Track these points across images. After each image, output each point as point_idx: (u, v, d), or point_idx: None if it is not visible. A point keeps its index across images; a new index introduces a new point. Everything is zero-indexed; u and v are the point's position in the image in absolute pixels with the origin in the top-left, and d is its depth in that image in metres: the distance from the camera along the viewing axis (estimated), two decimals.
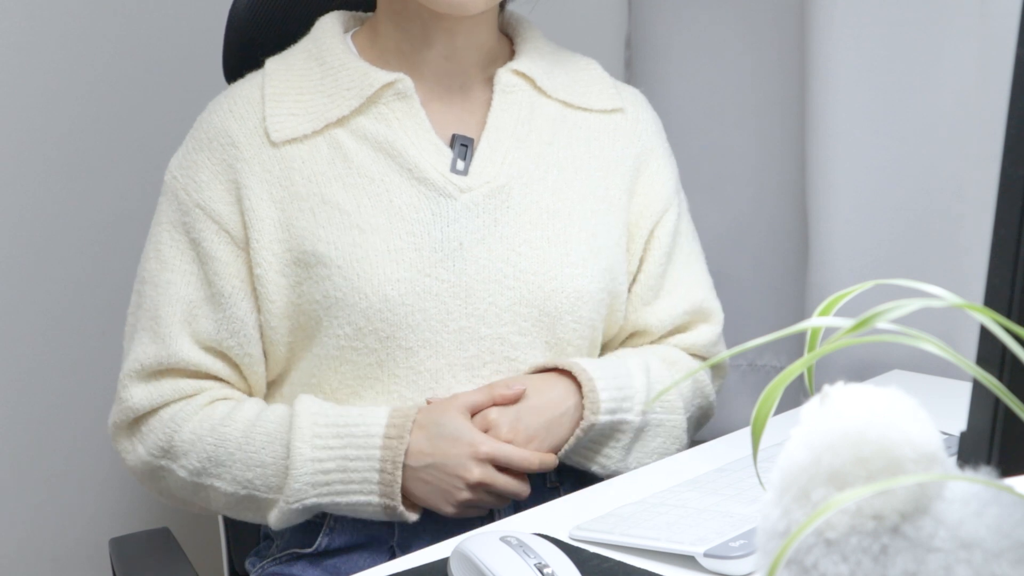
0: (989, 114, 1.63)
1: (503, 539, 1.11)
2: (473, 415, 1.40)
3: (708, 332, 1.59)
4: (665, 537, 1.18)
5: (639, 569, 1.16)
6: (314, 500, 1.39)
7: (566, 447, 1.44)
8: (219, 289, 1.44)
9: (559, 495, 1.49)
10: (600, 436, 1.46)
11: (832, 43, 1.72)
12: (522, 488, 1.41)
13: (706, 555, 1.15)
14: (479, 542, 1.12)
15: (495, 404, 1.41)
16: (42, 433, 1.98)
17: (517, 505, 1.47)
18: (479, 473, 1.38)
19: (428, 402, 1.42)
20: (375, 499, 1.38)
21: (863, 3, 1.71)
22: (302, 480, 1.39)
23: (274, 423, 1.41)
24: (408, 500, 1.40)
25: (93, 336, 2.00)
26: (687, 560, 1.16)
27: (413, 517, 1.40)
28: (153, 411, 1.45)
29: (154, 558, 1.47)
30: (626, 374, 1.47)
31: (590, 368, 1.45)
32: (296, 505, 1.40)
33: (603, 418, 1.44)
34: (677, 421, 1.53)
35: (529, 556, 1.09)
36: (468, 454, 1.37)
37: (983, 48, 1.64)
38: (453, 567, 1.13)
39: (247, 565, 1.56)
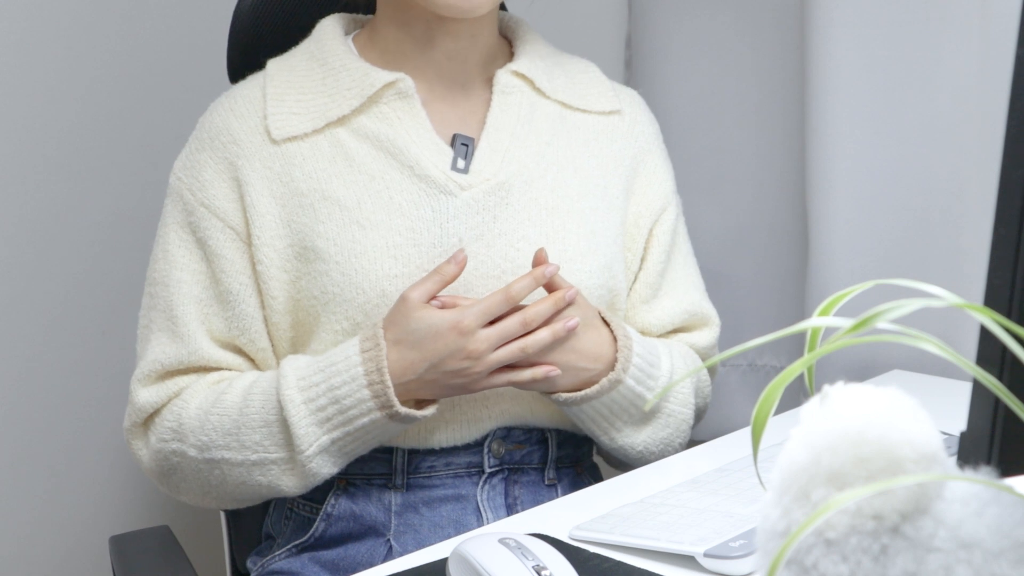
0: (989, 114, 1.63)
1: (501, 541, 1.11)
2: (430, 300, 1.38)
3: (709, 335, 1.60)
4: (665, 537, 1.19)
5: (639, 569, 1.16)
6: (327, 438, 1.39)
7: (588, 392, 1.43)
8: (227, 287, 1.44)
9: (557, 493, 1.49)
10: (616, 406, 1.46)
11: (832, 43, 1.72)
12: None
13: (706, 555, 1.15)
14: (477, 544, 1.12)
15: (442, 278, 1.38)
16: (42, 433, 1.98)
17: (515, 506, 1.47)
18: (479, 342, 1.37)
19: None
20: (377, 415, 1.37)
21: (863, 3, 1.71)
22: (303, 424, 1.38)
23: (267, 381, 1.42)
24: (422, 402, 1.40)
25: (93, 336, 2.00)
26: (687, 560, 1.16)
27: (431, 410, 1.40)
28: (165, 404, 1.46)
29: (154, 556, 1.47)
30: (656, 353, 1.48)
31: (631, 331, 1.46)
32: (311, 450, 1.39)
33: (629, 381, 1.44)
34: (686, 415, 1.53)
35: (527, 558, 1.09)
36: (456, 335, 1.37)
37: (983, 48, 1.64)
38: (452, 568, 1.13)
39: (248, 564, 1.56)
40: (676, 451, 1.53)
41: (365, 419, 1.38)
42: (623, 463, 1.54)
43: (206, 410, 1.42)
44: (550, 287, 1.42)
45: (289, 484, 1.42)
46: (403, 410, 1.37)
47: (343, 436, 1.39)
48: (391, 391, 1.37)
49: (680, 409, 1.53)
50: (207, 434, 1.42)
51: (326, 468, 1.41)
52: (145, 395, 1.46)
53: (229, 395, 1.42)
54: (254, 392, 1.41)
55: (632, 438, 1.49)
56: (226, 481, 1.44)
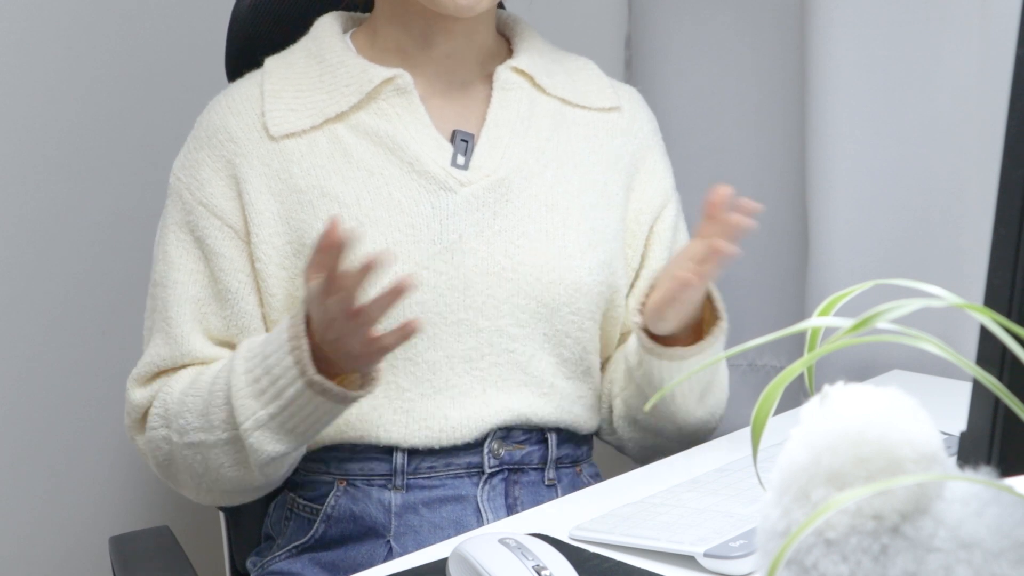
0: (989, 114, 1.63)
1: (502, 541, 1.11)
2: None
3: None
4: (665, 537, 1.19)
5: (639, 569, 1.16)
6: (264, 413, 1.35)
7: (702, 343, 1.43)
8: (225, 286, 1.44)
9: (557, 493, 1.49)
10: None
11: (832, 43, 1.72)
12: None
13: (706, 555, 1.15)
14: (478, 544, 1.12)
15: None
16: (42, 433, 1.97)
17: (515, 507, 1.47)
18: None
19: None
20: (300, 384, 1.32)
21: (863, 3, 1.71)
22: (240, 396, 1.35)
23: (229, 359, 1.40)
24: (354, 381, 1.35)
25: (93, 336, 2.00)
26: (687, 560, 1.16)
27: (359, 393, 1.33)
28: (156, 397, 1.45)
29: (154, 556, 1.47)
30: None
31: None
32: (248, 423, 1.35)
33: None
34: (724, 385, 1.57)
35: (527, 558, 1.09)
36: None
37: (983, 48, 1.64)
38: (452, 568, 1.13)
39: (248, 564, 1.56)
40: (712, 431, 1.55)
41: (291, 389, 1.33)
42: (651, 443, 1.55)
43: (184, 392, 1.42)
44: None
45: (244, 472, 1.39)
46: (316, 377, 1.30)
47: (279, 411, 1.34)
48: (307, 355, 1.30)
49: (723, 381, 1.56)
50: (184, 417, 1.41)
51: (269, 445, 1.36)
52: (140, 394, 1.46)
53: (204, 376, 1.41)
54: (223, 371, 1.40)
55: (699, 405, 1.51)
56: (208, 468, 1.42)
